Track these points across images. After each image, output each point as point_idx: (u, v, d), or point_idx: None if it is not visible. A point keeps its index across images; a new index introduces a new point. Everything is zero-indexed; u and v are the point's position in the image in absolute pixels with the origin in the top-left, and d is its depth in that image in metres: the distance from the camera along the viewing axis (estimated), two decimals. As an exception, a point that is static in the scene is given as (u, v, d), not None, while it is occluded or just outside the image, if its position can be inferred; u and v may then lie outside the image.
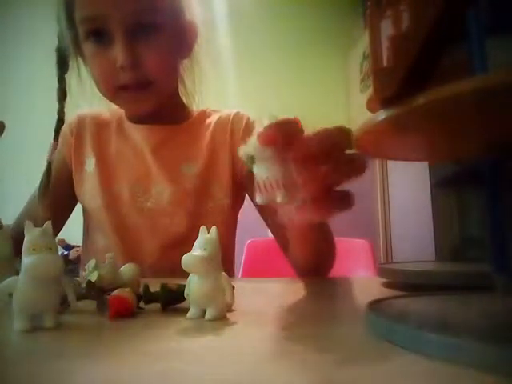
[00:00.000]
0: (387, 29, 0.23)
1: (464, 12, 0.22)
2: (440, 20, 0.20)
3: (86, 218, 0.74)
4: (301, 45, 2.91)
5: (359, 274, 1.03)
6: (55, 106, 0.66)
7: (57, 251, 0.28)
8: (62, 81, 0.64)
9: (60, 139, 0.69)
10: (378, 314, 0.26)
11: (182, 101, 0.74)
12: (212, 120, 0.73)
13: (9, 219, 0.52)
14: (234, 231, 0.76)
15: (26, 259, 0.26)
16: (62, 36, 0.63)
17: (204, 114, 0.75)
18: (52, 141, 0.65)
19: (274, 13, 2.89)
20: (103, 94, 0.64)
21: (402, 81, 0.22)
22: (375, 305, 0.29)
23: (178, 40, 0.65)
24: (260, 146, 0.27)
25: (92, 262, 0.36)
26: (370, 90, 0.25)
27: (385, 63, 0.23)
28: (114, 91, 0.61)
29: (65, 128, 0.71)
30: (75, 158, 0.71)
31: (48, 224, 0.28)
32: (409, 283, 0.42)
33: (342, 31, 2.82)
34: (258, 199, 0.29)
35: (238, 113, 0.73)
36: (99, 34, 0.58)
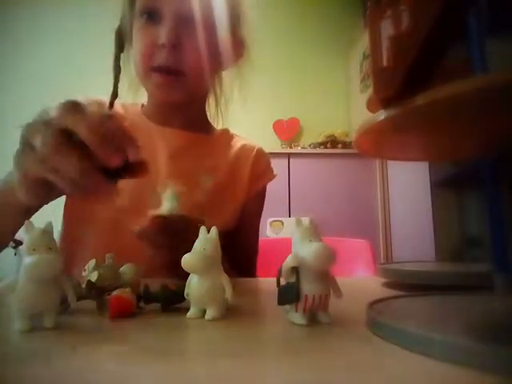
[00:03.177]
0: (387, 29, 0.23)
1: (464, 12, 0.22)
2: (440, 20, 0.20)
3: (70, 213, 0.69)
4: (301, 45, 2.91)
5: (359, 273, 1.03)
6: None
7: (57, 251, 0.28)
8: (118, 59, 0.66)
9: None
10: (378, 313, 0.26)
11: (206, 114, 0.76)
12: (235, 144, 0.76)
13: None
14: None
15: (26, 259, 0.26)
16: (123, 16, 0.67)
17: (227, 135, 0.78)
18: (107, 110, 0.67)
19: (274, 13, 2.89)
20: (139, 74, 0.66)
21: (402, 81, 0.22)
22: (375, 305, 0.29)
23: (221, 50, 0.67)
24: (316, 262, 0.26)
25: (92, 262, 0.36)
26: (370, 90, 0.25)
27: (385, 63, 0.23)
28: (148, 71, 0.63)
29: None
30: None
31: (48, 224, 0.28)
32: (409, 283, 0.42)
33: (342, 31, 2.82)
34: (299, 317, 0.27)
35: (260, 149, 0.78)
36: (151, 12, 0.62)
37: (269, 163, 0.78)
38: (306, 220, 0.28)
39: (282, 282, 0.28)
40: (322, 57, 2.90)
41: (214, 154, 0.72)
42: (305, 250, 0.26)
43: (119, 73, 0.67)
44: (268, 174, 0.77)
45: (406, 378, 0.18)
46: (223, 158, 0.72)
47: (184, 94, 0.66)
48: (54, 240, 0.28)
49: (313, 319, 0.27)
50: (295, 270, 0.27)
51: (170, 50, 0.60)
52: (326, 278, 0.27)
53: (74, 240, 0.67)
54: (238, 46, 0.70)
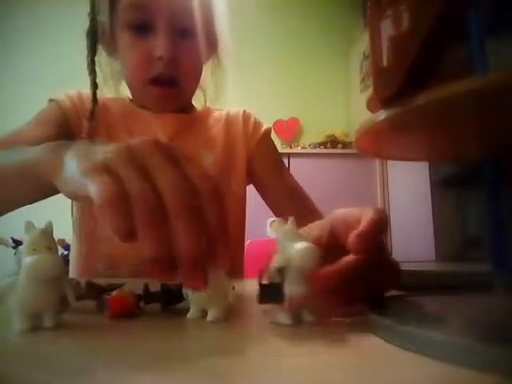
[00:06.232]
0: (387, 29, 0.23)
1: (464, 12, 0.22)
2: (440, 20, 0.20)
3: (82, 212, 0.69)
4: (301, 45, 2.91)
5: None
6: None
7: (57, 251, 0.28)
8: (93, 63, 0.66)
9: (65, 108, 0.65)
10: (378, 314, 0.26)
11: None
12: (221, 115, 0.78)
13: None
14: (244, 224, 0.78)
15: (26, 259, 0.26)
16: (94, 21, 0.65)
17: (209, 110, 0.80)
18: (86, 121, 0.64)
19: (274, 13, 2.89)
20: (132, 85, 0.67)
21: (402, 81, 0.22)
22: (375, 305, 0.29)
23: (205, 47, 0.68)
24: (304, 261, 0.26)
25: None
26: (370, 90, 0.25)
27: (385, 63, 0.23)
28: (144, 83, 0.63)
29: (66, 103, 0.66)
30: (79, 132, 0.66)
31: (48, 224, 0.28)
32: (409, 283, 0.42)
33: (342, 31, 2.82)
34: (284, 317, 0.27)
35: (245, 111, 0.79)
36: (140, 24, 0.61)
37: (257, 119, 0.79)
38: (289, 220, 0.29)
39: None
40: (322, 57, 2.90)
41: (206, 131, 0.75)
42: (291, 250, 0.26)
43: (95, 77, 0.67)
44: (261, 125, 0.78)
45: (406, 378, 0.18)
46: (215, 133, 0.75)
47: (181, 102, 0.69)
48: (53, 240, 0.28)
49: (297, 319, 0.28)
50: (280, 270, 0.27)
51: (168, 61, 0.60)
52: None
53: (91, 237, 0.67)
54: (214, 39, 0.72)
